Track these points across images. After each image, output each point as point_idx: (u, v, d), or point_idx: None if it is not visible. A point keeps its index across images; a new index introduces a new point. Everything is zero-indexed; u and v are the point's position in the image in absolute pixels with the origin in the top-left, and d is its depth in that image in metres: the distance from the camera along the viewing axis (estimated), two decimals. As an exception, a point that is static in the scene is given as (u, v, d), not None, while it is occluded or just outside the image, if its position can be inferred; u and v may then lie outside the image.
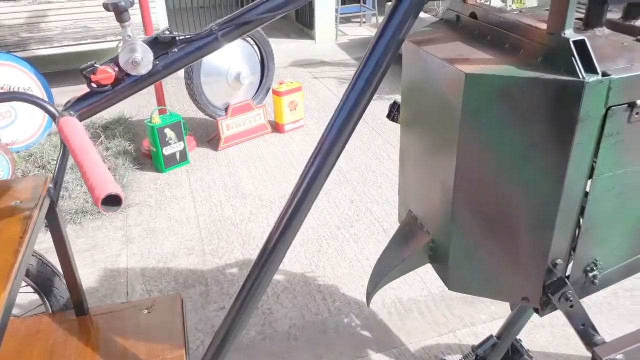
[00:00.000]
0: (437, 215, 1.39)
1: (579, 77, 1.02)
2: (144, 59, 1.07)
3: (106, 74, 1.06)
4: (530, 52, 1.15)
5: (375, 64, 1.18)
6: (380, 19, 8.04)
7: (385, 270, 1.52)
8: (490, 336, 2.02)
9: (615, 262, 1.31)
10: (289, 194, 1.25)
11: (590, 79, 1.02)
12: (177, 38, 1.10)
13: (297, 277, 2.83)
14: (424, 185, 1.43)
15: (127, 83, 1.10)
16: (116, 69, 1.07)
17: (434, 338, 2.39)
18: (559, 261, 1.24)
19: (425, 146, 1.39)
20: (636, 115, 1.09)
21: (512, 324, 1.94)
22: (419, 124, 1.41)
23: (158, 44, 1.10)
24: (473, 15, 1.36)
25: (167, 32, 1.10)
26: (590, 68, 1.03)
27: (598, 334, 1.32)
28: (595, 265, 1.28)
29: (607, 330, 2.27)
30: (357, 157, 4.15)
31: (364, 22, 8.89)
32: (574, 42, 1.04)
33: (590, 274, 1.28)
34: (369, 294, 1.58)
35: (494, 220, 1.25)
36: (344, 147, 1.24)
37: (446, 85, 1.20)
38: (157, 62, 1.11)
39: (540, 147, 1.12)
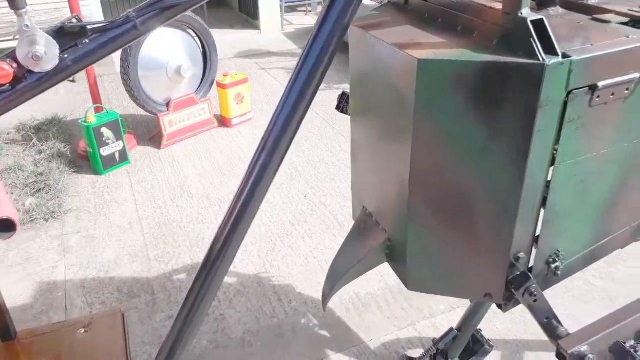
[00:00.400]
0: (392, 212, 1.30)
1: (539, 60, 0.95)
2: (48, 53, 0.91)
3: (2, 71, 0.89)
4: (485, 34, 1.06)
5: (320, 52, 1.07)
6: (326, 7, 7.93)
7: (342, 271, 1.43)
8: (451, 329, 1.98)
9: (577, 252, 1.27)
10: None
11: (551, 61, 0.94)
12: (88, 27, 0.95)
13: (250, 278, 2.70)
14: (378, 180, 1.34)
15: (29, 82, 0.93)
16: (15, 65, 0.91)
17: (394, 333, 2.32)
18: (521, 255, 1.18)
19: (378, 139, 1.29)
20: (597, 99, 1.02)
21: (472, 316, 1.90)
22: (370, 115, 1.31)
23: (64, 35, 0.94)
24: (423, -3, 1.27)
25: (74, 21, 0.94)
26: (550, 50, 0.96)
27: (562, 325, 1.27)
28: (558, 256, 1.23)
29: (563, 312, 2.28)
30: (308, 149, 4.04)
31: (310, 11, 8.75)
32: (532, 22, 0.96)
33: (553, 266, 1.23)
34: (325, 297, 1.48)
35: (453, 215, 1.17)
36: (291, 141, 1.13)
37: (397, 72, 1.11)
38: (65, 56, 0.95)
39: (499, 135, 1.04)
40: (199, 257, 2.90)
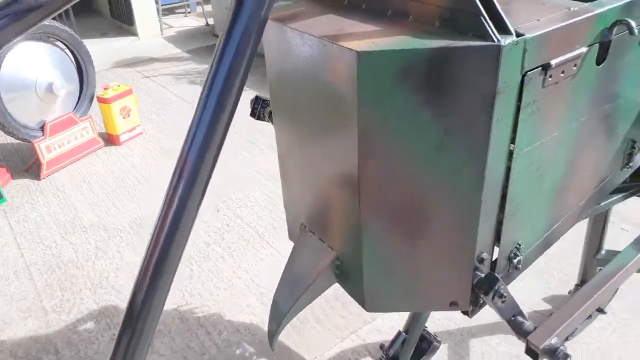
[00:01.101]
0: (340, 227, 1.14)
1: (493, 41, 0.83)
2: None
3: None
4: (423, 17, 0.93)
5: (235, 55, 0.87)
6: (208, 8, 7.58)
7: (288, 303, 1.24)
8: (399, 333, 1.88)
9: (534, 241, 1.20)
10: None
11: (506, 41, 0.83)
12: None
13: (170, 314, 2.41)
14: (318, 193, 1.17)
15: None
16: None
17: (338, 345, 2.18)
18: (484, 255, 1.08)
19: (314, 146, 1.12)
20: (549, 79, 0.94)
21: (418, 315, 1.81)
22: (300, 120, 1.14)
23: None
24: (338, -20, 1.11)
25: None
26: (502, 28, 0.85)
27: (527, 319, 1.20)
28: (519, 250, 1.15)
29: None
30: (211, 159, 3.75)
31: (190, 12, 8.32)
32: (479, -2, 0.84)
33: (515, 260, 1.15)
34: (272, 335, 1.29)
35: (412, 222, 1.04)
36: (214, 165, 0.92)
37: (332, 69, 0.94)
38: None
39: (456, 130, 0.92)
40: (105, 299, 2.54)
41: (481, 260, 1.08)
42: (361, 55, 0.85)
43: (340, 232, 1.15)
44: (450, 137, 0.92)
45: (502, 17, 0.85)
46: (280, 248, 2.77)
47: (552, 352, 1.09)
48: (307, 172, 1.17)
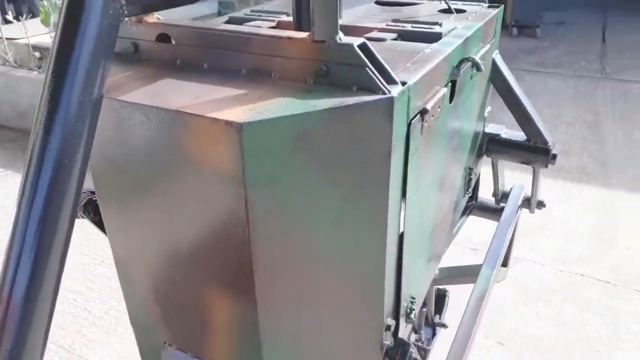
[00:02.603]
0: (230, 333, 0.91)
1: (385, 93, 0.74)
2: None
3: None
4: (291, 74, 0.80)
5: (59, 152, 0.59)
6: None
7: None
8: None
9: (423, 290, 1.16)
10: None
11: (396, 91, 0.75)
12: None
13: None
14: (193, 296, 0.91)
15: None
16: None
17: None
18: (389, 321, 0.98)
19: (181, 240, 0.87)
20: (425, 124, 0.90)
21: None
22: (151, 214, 0.87)
23: None
24: (164, 37, 0.90)
25: None
26: (387, 78, 0.77)
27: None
28: (413, 303, 1.08)
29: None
30: None
31: None
32: (359, 47, 0.75)
33: (412, 315, 1.08)
34: None
35: (315, 305, 0.88)
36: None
37: (202, 149, 0.73)
38: None
39: (356, 195, 0.80)
40: None
41: (389, 327, 0.98)
42: (245, 128, 0.66)
43: (229, 339, 0.91)
44: (350, 205, 0.80)
45: (385, 67, 0.77)
46: None
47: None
48: (172, 272, 0.91)
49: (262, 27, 1.12)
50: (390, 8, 1.29)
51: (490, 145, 1.39)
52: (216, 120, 0.68)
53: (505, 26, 7.29)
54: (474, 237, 2.63)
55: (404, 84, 0.78)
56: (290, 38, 0.79)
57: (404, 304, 1.02)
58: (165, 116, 0.72)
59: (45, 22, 4.27)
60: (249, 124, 0.67)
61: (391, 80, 0.77)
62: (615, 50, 6.69)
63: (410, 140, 0.84)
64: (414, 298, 1.07)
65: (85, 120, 0.61)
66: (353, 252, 0.85)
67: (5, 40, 4.55)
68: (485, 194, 1.71)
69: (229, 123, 0.67)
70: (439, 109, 0.95)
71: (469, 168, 1.34)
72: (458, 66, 1.00)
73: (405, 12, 1.25)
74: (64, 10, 0.61)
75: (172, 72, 0.86)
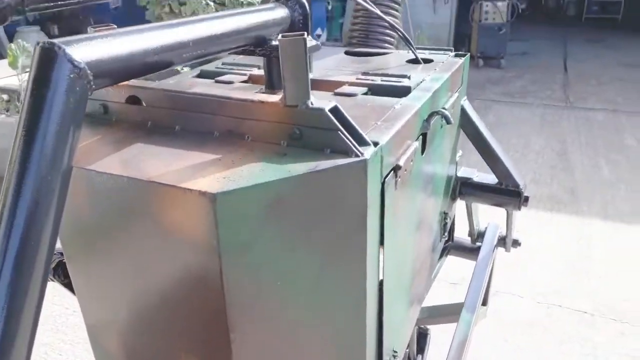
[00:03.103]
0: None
1: (358, 155, 0.75)
2: None
3: None
4: (264, 137, 0.80)
5: (26, 229, 0.58)
6: None
7: None
8: None
9: (404, 340, 1.14)
10: None
11: (369, 152, 0.76)
12: None
13: None
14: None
15: None
16: None
17: None
18: (372, 378, 0.96)
19: (151, 311, 0.84)
20: (399, 179, 0.90)
21: None
22: (122, 281, 0.85)
23: None
24: (134, 99, 0.90)
25: None
26: (359, 140, 0.77)
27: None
28: (395, 357, 1.07)
29: None
30: None
31: None
32: (330, 111, 0.76)
33: (394, 369, 1.06)
34: None
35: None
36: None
37: (173, 217, 0.72)
38: None
39: (333, 260, 0.80)
40: None
41: (370, 385, 0.96)
42: (218, 198, 0.66)
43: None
44: (327, 266, 0.80)
45: (356, 129, 0.78)
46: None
47: None
48: (145, 339, 0.88)
49: (234, 82, 1.13)
50: (359, 59, 1.32)
51: (463, 189, 1.41)
52: (189, 190, 0.67)
53: (471, 57, 7.54)
54: (451, 272, 2.65)
55: (375, 144, 0.79)
56: (262, 102, 0.79)
57: (385, 358, 1.01)
58: (138, 185, 0.71)
59: (13, 65, 4.23)
60: (222, 193, 0.66)
61: (363, 142, 0.77)
62: (577, 79, 6.96)
63: (385, 196, 0.84)
64: (395, 352, 1.06)
65: (54, 194, 0.59)
66: (332, 312, 0.84)
67: (-29, 83, 4.48)
68: (462, 231, 1.73)
69: (202, 193, 0.66)
70: (411, 163, 0.96)
71: (444, 212, 1.35)
72: (428, 119, 1.02)
73: (374, 63, 1.28)
74: (29, 87, 0.60)
75: (143, 136, 0.85)
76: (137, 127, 0.88)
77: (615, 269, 2.99)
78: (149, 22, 2.85)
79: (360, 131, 0.78)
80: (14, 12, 0.78)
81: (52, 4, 0.68)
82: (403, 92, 1.03)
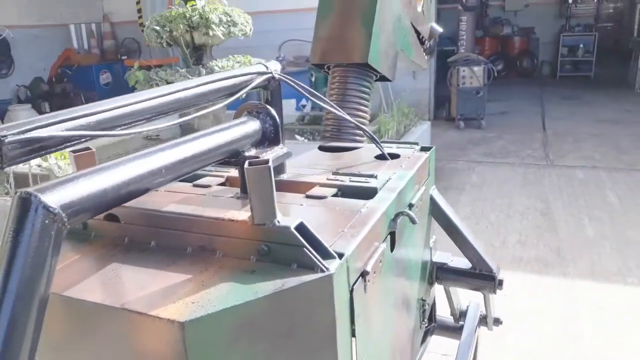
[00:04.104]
0: None
1: (323, 270, 0.79)
2: None
3: None
4: (235, 252, 0.84)
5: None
6: None
7: None
8: None
9: None
10: None
11: (334, 266, 0.80)
12: None
13: None
14: None
15: None
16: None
17: None
18: None
19: None
20: (368, 283, 0.94)
21: None
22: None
23: None
24: (112, 217, 0.94)
25: None
26: (324, 254, 0.81)
27: None
28: None
29: None
30: None
31: None
32: (296, 229, 0.80)
33: None
34: None
35: None
36: None
37: (144, 342, 0.74)
38: None
39: (304, 369, 0.82)
40: None
41: None
42: (186, 326, 0.69)
43: None
44: (300, 378, 0.81)
45: (321, 243, 0.82)
46: None
47: None
48: None
49: (212, 185, 1.18)
50: (332, 155, 1.39)
51: (439, 274, 1.44)
52: (159, 318, 0.70)
53: (452, 120, 7.80)
54: (441, 341, 2.63)
55: (341, 256, 0.83)
56: (232, 220, 0.84)
57: None
58: (111, 312, 0.74)
59: None
60: (190, 321, 0.69)
61: (328, 255, 0.81)
62: (555, 137, 7.17)
63: (355, 302, 0.87)
64: None
65: (29, 324, 0.62)
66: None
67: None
68: (444, 309, 1.74)
69: (171, 321, 0.69)
70: (380, 263, 1.00)
71: (422, 299, 1.38)
72: (395, 219, 1.07)
73: (345, 159, 1.34)
74: (8, 233, 0.63)
75: (120, 253, 0.89)
76: (114, 243, 0.92)
77: (604, 331, 2.98)
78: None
79: (325, 245, 0.82)
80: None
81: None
82: (370, 193, 1.09)
